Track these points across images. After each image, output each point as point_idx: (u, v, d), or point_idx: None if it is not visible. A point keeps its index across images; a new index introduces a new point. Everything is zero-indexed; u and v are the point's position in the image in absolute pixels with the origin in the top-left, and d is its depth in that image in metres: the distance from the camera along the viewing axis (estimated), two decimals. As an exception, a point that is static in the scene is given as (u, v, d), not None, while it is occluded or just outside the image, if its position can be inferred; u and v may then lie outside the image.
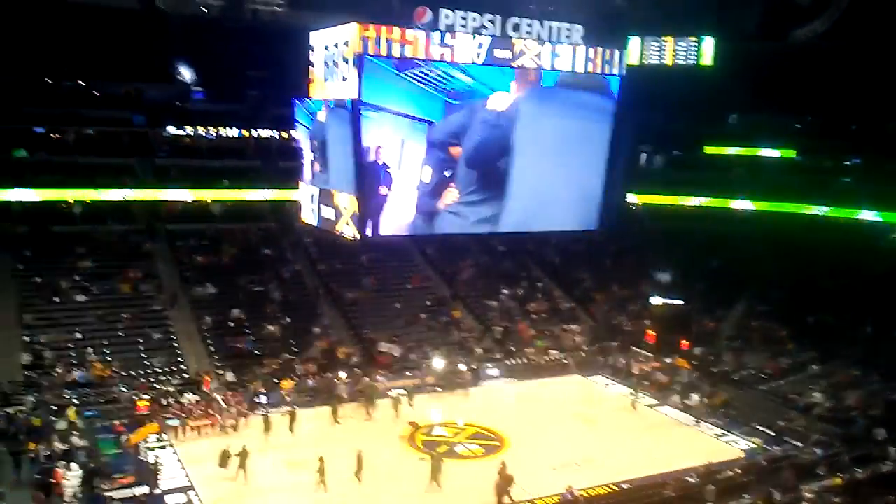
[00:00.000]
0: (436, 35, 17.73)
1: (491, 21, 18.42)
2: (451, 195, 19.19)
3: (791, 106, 42.70)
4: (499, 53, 18.53)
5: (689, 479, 23.10)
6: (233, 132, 42.41)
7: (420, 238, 31.32)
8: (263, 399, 28.90)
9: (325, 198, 20.26)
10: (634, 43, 37.49)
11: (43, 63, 36.50)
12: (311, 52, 19.57)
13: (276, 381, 30.40)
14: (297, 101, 21.08)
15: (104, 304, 33.38)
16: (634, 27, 36.51)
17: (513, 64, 18.72)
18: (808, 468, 24.16)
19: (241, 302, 35.25)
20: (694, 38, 37.55)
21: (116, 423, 26.25)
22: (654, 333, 36.57)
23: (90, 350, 30.41)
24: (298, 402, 28.82)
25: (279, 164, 39.52)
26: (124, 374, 29.75)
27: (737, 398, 31.44)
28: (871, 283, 35.66)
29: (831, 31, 33.77)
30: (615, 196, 22.19)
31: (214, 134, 42.02)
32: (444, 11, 17.91)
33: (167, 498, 22.05)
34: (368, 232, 18.60)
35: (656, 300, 38.75)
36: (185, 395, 28.08)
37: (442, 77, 18.07)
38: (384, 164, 18.08)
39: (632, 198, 43.71)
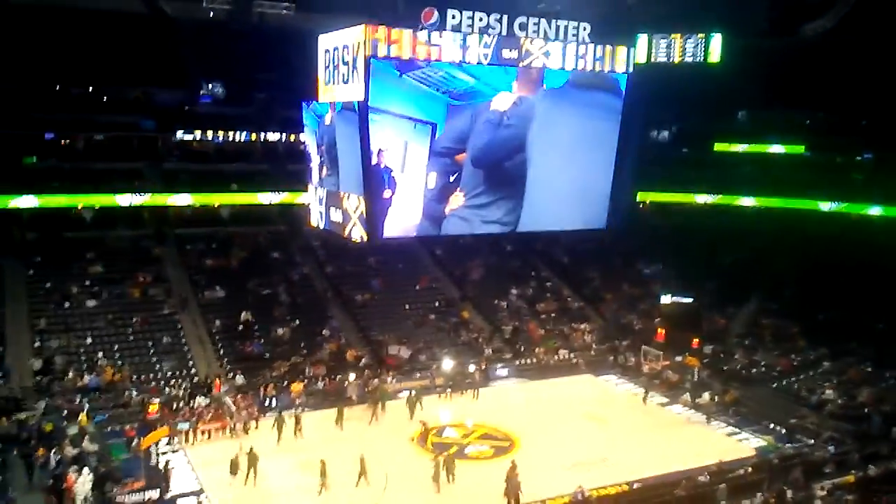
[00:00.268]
0: (446, 36, 17.62)
1: (498, 20, 18.31)
2: (456, 200, 19.09)
3: (800, 102, 42.49)
4: (506, 53, 18.40)
5: (701, 478, 23.00)
6: (241, 136, 42.47)
7: (428, 239, 31.26)
8: (273, 402, 28.94)
9: (333, 200, 20.19)
10: (642, 41, 37.26)
11: (51, 69, 36.59)
12: (319, 54, 19.43)
13: (286, 383, 30.43)
14: (304, 104, 21.01)
15: (114, 308, 33.48)
16: (642, 25, 36.29)
17: (520, 64, 18.61)
18: (819, 465, 24.04)
19: (250, 305, 35.28)
20: (702, 35, 37.30)
21: (127, 427, 26.33)
22: (664, 332, 36.45)
23: (101, 355, 30.56)
24: (308, 405, 28.82)
25: (287, 168, 39.46)
26: (135, 378, 29.83)
27: (748, 396, 31.37)
28: (883, 279, 35.43)
29: (840, 27, 33.53)
30: (624, 195, 22.05)
31: (222, 138, 42.10)
32: (451, 12, 17.81)
33: (178, 502, 22.11)
34: (377, 234, 18.55)
35: (666, 298, 38.60)
36: (196, 398, 28.16)
37: (444, 78, 17.96)
38: (387, 167, 17.95)
39: (640, 196, 43.50)
